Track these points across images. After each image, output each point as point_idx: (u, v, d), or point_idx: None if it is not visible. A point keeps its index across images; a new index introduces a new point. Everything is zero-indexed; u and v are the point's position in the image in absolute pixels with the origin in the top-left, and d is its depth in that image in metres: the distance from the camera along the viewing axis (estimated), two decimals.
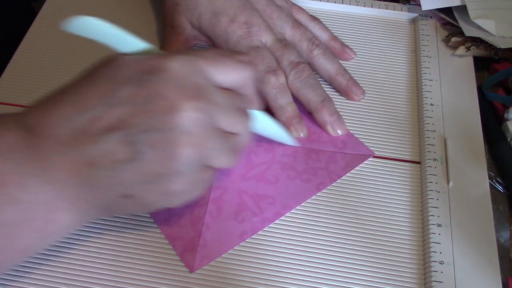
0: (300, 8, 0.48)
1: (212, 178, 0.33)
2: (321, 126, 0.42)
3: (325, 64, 0.44)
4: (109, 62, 0.31)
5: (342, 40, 0.48)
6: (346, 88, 0.44)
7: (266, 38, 0.42)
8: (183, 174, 0.30)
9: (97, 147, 0.29)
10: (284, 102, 0.41)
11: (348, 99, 0.45)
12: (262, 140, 0.41)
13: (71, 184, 0.29)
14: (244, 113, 0.33)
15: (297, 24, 0.45)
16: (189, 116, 0.29)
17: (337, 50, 0.47)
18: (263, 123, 0.38)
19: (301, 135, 0.41)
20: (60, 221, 0.30)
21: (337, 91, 0.45)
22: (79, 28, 0.30)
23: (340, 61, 0.46)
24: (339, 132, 0.42)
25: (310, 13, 0.48)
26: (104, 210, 0.32)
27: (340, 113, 0.43)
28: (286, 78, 0.42)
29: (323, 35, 0.47)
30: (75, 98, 0.30)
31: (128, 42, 0.32)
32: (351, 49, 0.48)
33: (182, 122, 0.29)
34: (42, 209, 0.29)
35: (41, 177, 0.29)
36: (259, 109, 0.37)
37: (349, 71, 0.45)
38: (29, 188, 0.28)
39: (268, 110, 0.42)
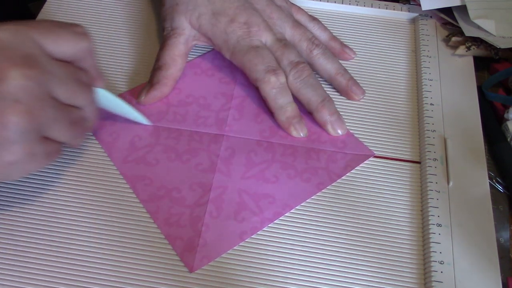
0: (300, 8, 0.48)
1: (55, 152, 0.33)
2: (321, 126, 0.42)
3: (325, 64, 0.44)
4: None
5: (342, 40, 0.48)
6: (346, 87, 0.44)
7: (266, 38, 0.42)
8: (15, 142, 0.30)
9: None
10: (284, 102, 0.41)
11: (348, 99, 0.45)
12: (262, 138, 0.41)
13: None
14: (84, 87, 0.33)
15: (297, 24, 0.45)
16: (17, 84, 0.29)
17: (337, 50, 0.47)
18: (110, 102, 0.38)
19: (301, 135, 0.41)
20: None
21: (337, 91, 0.45)
22: None
23: (340, 61, 0.46)
24: (339, 132, 0.42)
25: (310, 13, 0.48)
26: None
27: (340, 113, 0.43)
28: (286, 77, 0.42)
29: (322, 35, 0.47)
30: None
31: None
32: (350, 49, 0.48)
33: (10, 90, 0.29)
34: None
35: None
36: (103, 87, 0.36)
37: (349, 71, 0.45)
38: None
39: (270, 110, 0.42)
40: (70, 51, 0.33)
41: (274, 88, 0.41)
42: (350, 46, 0.48)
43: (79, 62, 0.34)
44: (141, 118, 0.41)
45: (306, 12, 0.48)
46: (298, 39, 0.44)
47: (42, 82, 0.30)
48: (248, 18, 0.42)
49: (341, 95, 0.45)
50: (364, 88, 0.45)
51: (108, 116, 0.41)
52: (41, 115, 0.30)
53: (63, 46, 0.32)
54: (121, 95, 0.44)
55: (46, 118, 0.31)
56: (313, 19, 0.48)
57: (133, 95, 0.44)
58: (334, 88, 0.45)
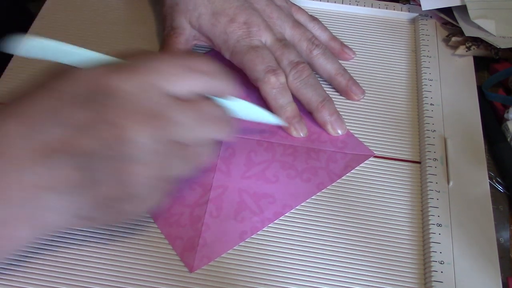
0: (300, 8, 0.48)
1: (172, 185, 0.32)
2: (321, 126, 0.42)
3: (325, 64, 0.44)
4: (61, 73, 0.30)
5: (342, 40, 0.48)
6: (346, 88, 0.44)
7: (265, 37, 0.42)
8: (139, 196, 0.30)
9: (48, 170, 0.28)
10: (284, 101, 0.41)
11: (348, 99, 0.45)
12: (262, 138, 0.41)
13: (26, 206, 0.29)
14: (206, 121, 0.32)
15: (297, 24, 0.45)
16: (138, 144, 0.28)
17: (337, 50, 0.47)
18: (241, 108, 0.37)
19: (301, 134, 0.41)
20: (15, 238, 0.30)
21: (337, 91, 0.45)
22: (31, 50, 0.28)
23: (340, 61, 0.46)
24: (339, 131, 0.42)
25: (310, 13, 0.48)
26: (61, 227, 0.31)
27: (340, 113, 0.43)
28: (286, 78, 0.42)
29: (322, 35, 0.47)
30: (26, 113, 0.29)
31: (83, 56, 0.30)
32: (350, 49, 0.48)
33: (132, 150, 0.28)
34: None
35: None
36: (233, 95, 0.35)
37: (349, 71, 0.45)
38: None
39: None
40: (194, 89, 0.31)
41: (274, 88, 0.41)
42: (350, 46, 0.48)
43: (202, 93, 0.32)
44: (272, 117, 0.40)
45: (306, 12, 0.48)
46: (298, 39, 0.44)
47: (162, 135, 0.29)
48: (248, 18, 0.42)
49: (341, 95, 0.45)
50: (364, 88, 0.45)
51: None
52: (161, 166, 0.30)
53: (184, 85, 0.31)
54: None
55: (166, 168, 0.30)
56: (313, 19, 0.48)
57: None
58: (334, 88, 0.45)
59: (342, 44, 0.48)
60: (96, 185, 0.29)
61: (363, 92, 0.45)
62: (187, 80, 0.31)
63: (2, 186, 0.28)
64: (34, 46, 0.27)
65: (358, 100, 0.44)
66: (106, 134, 0.28)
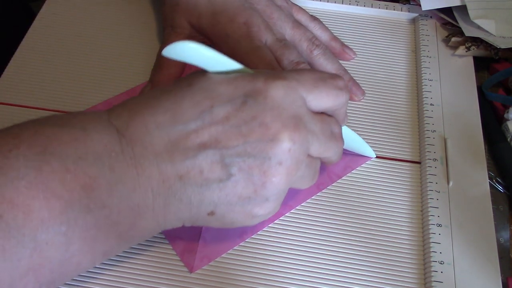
0: (300, 8, 0.48)
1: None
2: None
3: (325, 64, 0.44)
4: (206, 75, 0.31)
5: (342, 40, 0.48)
6: None
7: (266, 38, 0.42)
8: (268, 200, 0.31)
9: (191, 162, 0.29)
10: None
11: (350, 100, 0.44)
12: None
13: (160, 195, 0.29)
14: (335, 140, 0.33)
15: (297, 24, 0.45)
16: (285, 147, 0.29)
17: (337, 50, 0.47)
18: (347, 137, 0.37)
19: None
20: (143, 228, 0.30)
21: None
22: (178, 53, 0.29)
23: (340, 61, 0.46)
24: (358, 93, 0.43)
25: (310, 13, 0.48)
26: (185, 222, 0.32)
27: None
28: None
29: (323, 35, 0.47)
30: (171, 108, 0.30)
31: (222, 63, 0.31)
32: (351, 49, 0.48)
33: (278, 153, 0.29)
34: (127, 216, 0.29)
35: (131, 185, 0.29)
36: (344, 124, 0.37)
37: (349, 71, 0.45)
38: (117, 194, 0.28)
39: None
40: (329, 105, 0.33)
41: None
42: (350, 46, 0.48)
43: (332, 112, 0.34)
44: (369, 150, 0.41)
45: (306, 12, 0.48)
46: (298, 39, 0.44)
47: (304, 144, 0.30)
48: (248, 18, 0.42)
49: None
50: (364, 88, 0.45)
51: None
52: (297, 175, 0.31)
53: (324, 101, 0.32)
54: (121, 95, 0.44)
55: (299, 177, 0.32)
56: (314, 19, 0.48)
57: (132, 95, 0.44)
58: None
59: (342, 44, 0.48)
60: (233, 181, 0.29)
61: (363, 93, 0.45)
62: (325, 93, 0.32)
63: (138, 173, 0.29)
64: (182, 50, 0.28)
65: (358, 101, 0.44)
66: (258, 134, 0.29)
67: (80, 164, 0.27)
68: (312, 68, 0.33)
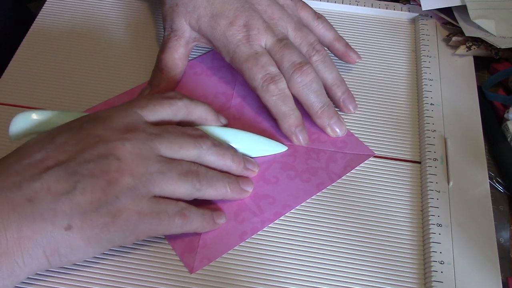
0: (305, 5, 0.46)
1: (169, 211, 0.33)
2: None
3: (323, 72, 0.43)
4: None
5: None
6: (339, 101, 0.43)
7: (265, 40, 0.41)
8: (124, 201, 0.32)
9: (37, 184, 0.31)
10: (286, 109, 0.40)
11: (341, 111, 0.44)
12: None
13: (12, 222, 0.30)
14: (190, 137, 0.35)
15: (299, 26, 0.44)
16: (118, 144, 0.32)
17: (340, 51, 0.46)
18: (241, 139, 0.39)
19: (303, 143, 0.41)
20: (7, 267, 0.30)
21: (332, 101, 0.43)
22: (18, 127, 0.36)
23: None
24: (338, 131, 0.41)
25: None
26: (46, 250, 0.30)
27: (340, 114, 0.43)
28: (288, 80, 0.41)
29: (327, 35, 0.46)
30: (18, 151, 0.33)
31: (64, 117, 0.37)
32: (355, 52, 0.46)
33: (113, 151, 0.32)
34: None
35: None
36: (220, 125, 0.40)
37: (349, 71, 0.45)
38: None
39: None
40: (167, 116, 0.37)
41: (273, 95, 0.40)
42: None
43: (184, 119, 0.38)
44: (280, 146, 0.41)
45: (311, 9, 0.46)
46: (298, 43, 0.43)
47: (141, 141, 0.33)
48: (247, 20, 0.41)
49: (334, 105, 0.44)
50: (364, 88, 0.45)
51: None
52: (143, 171, 0.33)
53: (160, 112, 0.36)
54: (121, 95, 0.44)
55: (150, 175, 0.33)
56: (318, 16, 0.46)
57: (132, 95, 0.44)
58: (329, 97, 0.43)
59: (347, 45, 0.46)
60: (81, 188, 0.31)
61: (356, 106, 0.44)
62: (161, 108, 0.36)
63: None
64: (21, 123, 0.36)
65: (350, 113, 0.44)
66: (93, 143, 0.32)
67: None
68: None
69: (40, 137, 0.34)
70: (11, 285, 0.30)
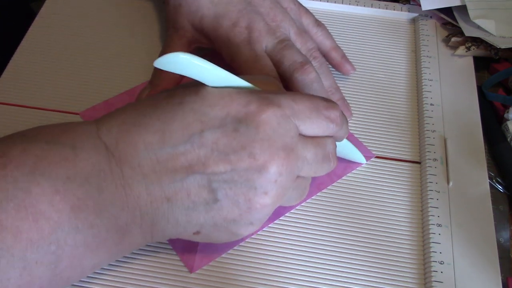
0: (308, 11, 0.46)
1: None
2: None
3: None
4: (198, 92, 0.31)
5: (342, 41, 0.48)
6: None
7: (266, 42, 0.41)
8: (253, 224, 0.31)
9: (178, 185, 0.30)
10: None
11: None
12: None
13: (148, 215, 0.30)
14: (326, 161, 0.34)
15: (300, 31, 0.43)
16: (271, 178, 0.30)
17: (336, 61, 0.46)
18: (339, 145, 0.38)
19: None
20: (130, 243, 0.31)
21: None
22: (170, 65, 0.29)
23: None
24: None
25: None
26: (172, 237, 0.33)
27: None
28: (288, 79, 0.40)
29: (325, 43, 0.45)
30: (161, 129, 0.30)
31: (216, 75, 0.31)
32: (350, 63, 0.46)
33: (264, 183, 0.30)
34: (115, 233, 0.30)
35: (119, 204, 0.29)
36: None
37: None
38: (106, 214, 0.29)
39: None
40: (320, 133, 0.33)
41: None
42: (350, 46, 0.48)
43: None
44: (360, 156, 0.40)
45: (313, 16, 0.46)
46: (298, 47, 0.42)
47: (292, 172, 0.31)
48: (249, 22, 0.41)
49: None
50: (364, 88, 0.45)
51: None
52: (283, 199, 0.32)
53: (315, 131, 0.33)
54: (121, 95, 0.44)
55: (285, 199, 0.33)
56: (319, 24, 0.46)
57: (132, 95, 0.44)
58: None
59: (343, 56, 0.46)
60: (219, 205, 0.30)
61: (351, 115, 0.44)
62: (317, 124, 0.33)
63: (127, 193, 0.30)
64: (175, 62, 0.29)
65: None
66: (246, 163, 0.30)
67: (69, 185, 0.28)
68: (307, 94, 0.34)
69: (188, 118, 0.30)
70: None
